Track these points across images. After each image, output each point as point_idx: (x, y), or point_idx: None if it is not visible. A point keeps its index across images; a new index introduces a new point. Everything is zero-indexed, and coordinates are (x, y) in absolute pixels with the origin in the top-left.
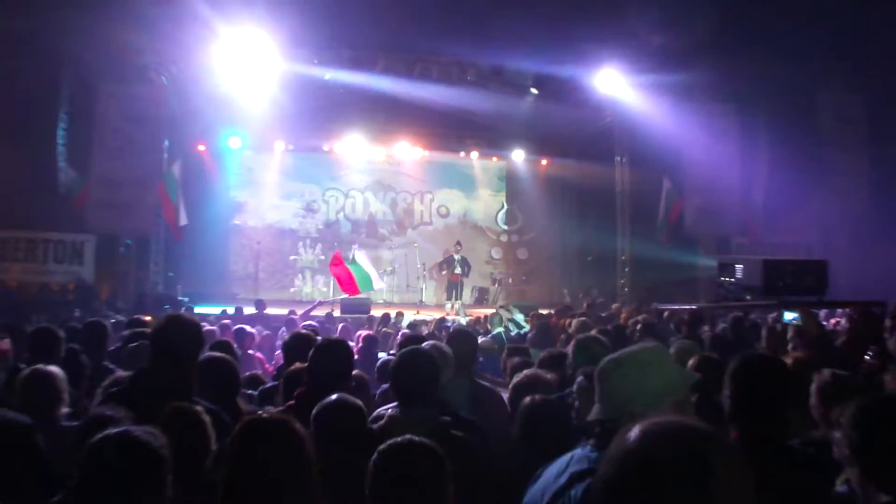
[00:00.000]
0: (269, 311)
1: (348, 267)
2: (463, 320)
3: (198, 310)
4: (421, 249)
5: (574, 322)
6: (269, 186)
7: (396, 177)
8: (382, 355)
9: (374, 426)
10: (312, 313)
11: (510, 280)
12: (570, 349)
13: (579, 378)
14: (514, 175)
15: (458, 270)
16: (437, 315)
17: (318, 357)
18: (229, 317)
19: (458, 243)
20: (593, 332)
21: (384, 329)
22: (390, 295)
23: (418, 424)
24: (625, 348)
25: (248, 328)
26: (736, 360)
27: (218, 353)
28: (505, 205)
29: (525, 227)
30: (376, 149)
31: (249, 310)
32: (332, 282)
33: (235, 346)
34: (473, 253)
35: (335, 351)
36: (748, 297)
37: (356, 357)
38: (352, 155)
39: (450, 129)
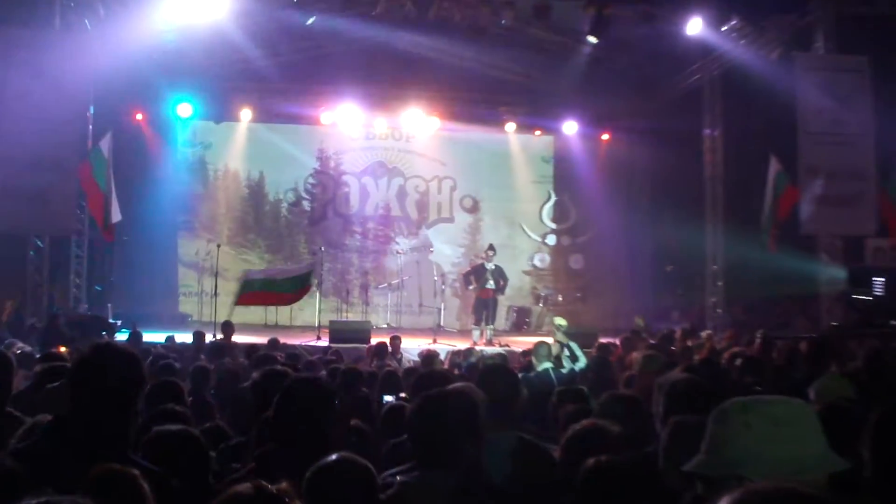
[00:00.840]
0: (240, 338)
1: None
2: (494, 351)
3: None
4: (439, 255)
5: (640, 357)
6: (232, 170)
7: (405, 157)
8: (389, 399)
9: (382, 496)
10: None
11: (560, 298)
12: (656, 397)
13: (670, 427)
14: (565, 155)
15: (489, 285)
16: (463, 345)
17: (285, 402)
18: (178, 349)
19: (491, 248)
20: (678, 372)
21: (375, 362)
22: (396, 318)
23: (440, 495)
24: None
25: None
26: (879, 409)
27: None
28: (552, 195)
29: (579, 226)
30: (377, 120)
31: (207, 337)
32: (317, 300)
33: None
34: (510, 261)
35: (308, 393)
36: (893, 322)
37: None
38: (345, 128)
39: (476, 94)
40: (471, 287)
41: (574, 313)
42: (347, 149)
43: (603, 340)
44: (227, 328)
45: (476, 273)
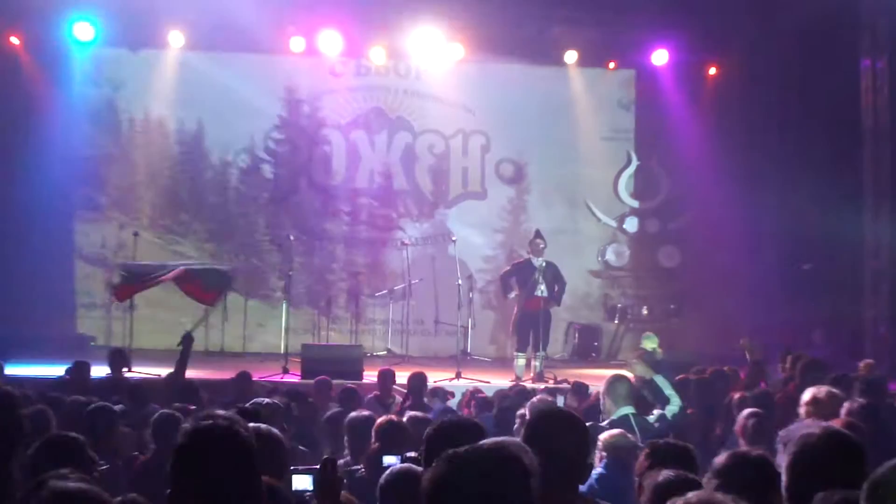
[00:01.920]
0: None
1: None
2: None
3: (9, 370)
4: (464, 248)
5: (819, 396)
6: (156, 120)
7: (414, 103)
8: (390, 460)
9: None
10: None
11: (644, 311)
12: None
13: None
14: (652, 98)
15: (540, 291)
16: (502, 382)
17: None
18: (64, 382)
19: (539, 236)
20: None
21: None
22: (401, 340)
23: None
24: None
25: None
26: None
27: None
28: (633, 159)
29: (673, 205)
30: (373, 48)
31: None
32: (283, 314)
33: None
34: (570, 256)
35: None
36: None
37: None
38: (324, 58)
39: (520, 7)
40: (511, 294)
41: (666, 333)
42: (328, 89)
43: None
44: (117, 358)
45: (520, 273)
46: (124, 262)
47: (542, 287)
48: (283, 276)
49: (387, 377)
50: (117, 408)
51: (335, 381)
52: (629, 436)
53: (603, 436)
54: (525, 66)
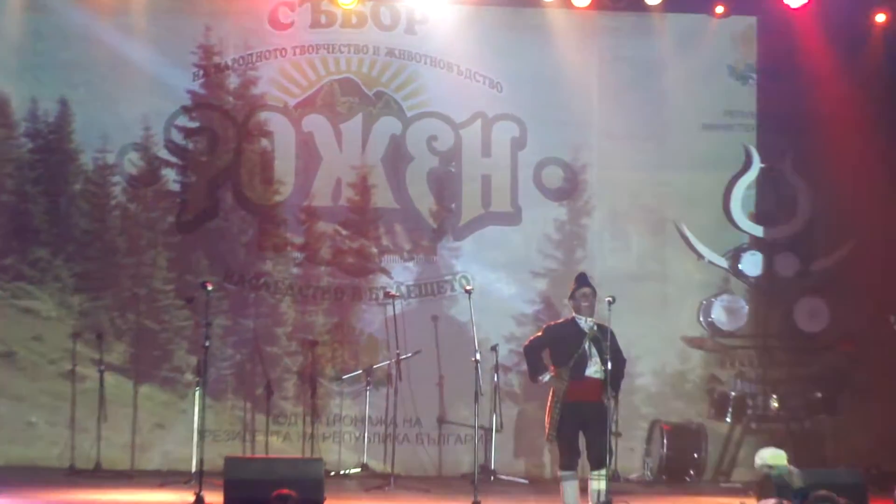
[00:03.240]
0: None
1: None
2: None
3: None
4: (487, 299)
5: None
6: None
7: (406, 71)
8: None
9: None
10: None
11: (773, 404)
12: None
13: None
14: (784, 61)
15: (593, 370)
16: None
17: None
18: None
19: (585, 282)
20: None
21: None
22: (381, 453)
23: None
24: None
25: None
26: None
27: None
28: (755, 159)
29: (820, 232)
30: None
31: None
32: (195, 408)
33: None
34: (653, 315)
35: None
36: None
37: None
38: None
39: None
40: (544, 378)
41: (809, 440)
42: (267, 49)
43: None
44: None
45: (557, 343)
46: None
47: (596, 365)
48: (195, 349)
49: None
50: None
51: None
52: None
53: None
54: (581, 13)
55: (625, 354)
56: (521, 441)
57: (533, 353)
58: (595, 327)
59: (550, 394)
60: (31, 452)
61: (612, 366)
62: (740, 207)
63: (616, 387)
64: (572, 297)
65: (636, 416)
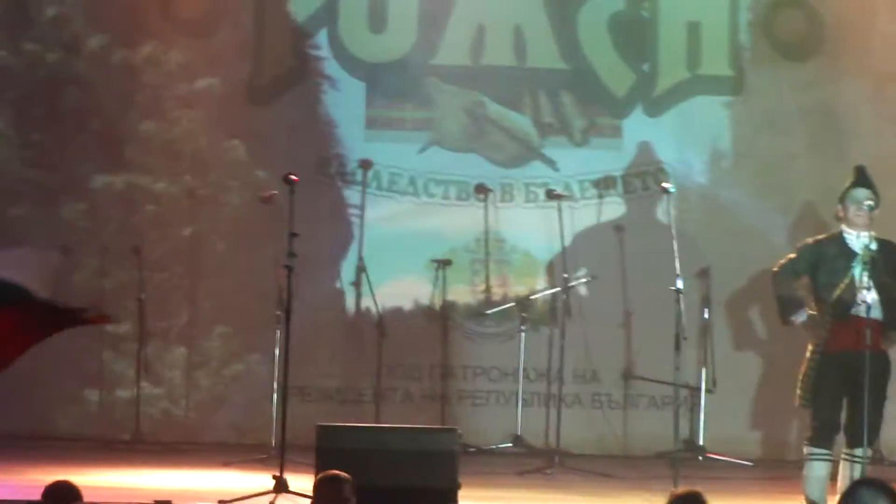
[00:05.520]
0: None
1: None
2: None
3: None
4: (697, 207)
5: None
6: None
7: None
8: None
9: None
10: None
11: None
12: None
13: None
14: None
15: (865, 305)
16: None
17: None
18: None
19: (863, 181)
20: None
21: None
22: (544, 423)
23: None
24: None
25: None
26: None
27: None
28: None
29: None
30: None
31: None
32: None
33: None
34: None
35: None
36: None
37: None
38: None
39: None
40: (799, 316)
41: None
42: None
43: None
44: None
45: (818, 266)
46: None
47: (871, 295)
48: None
49: None
50: None
51: None
52: None
53: None
54: None
55: None
56: (758, 405)
57: (783, 282)
58: (874, 245)
59: (809, 343)
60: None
61: None
62: None
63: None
64: (842, 200)
65: None
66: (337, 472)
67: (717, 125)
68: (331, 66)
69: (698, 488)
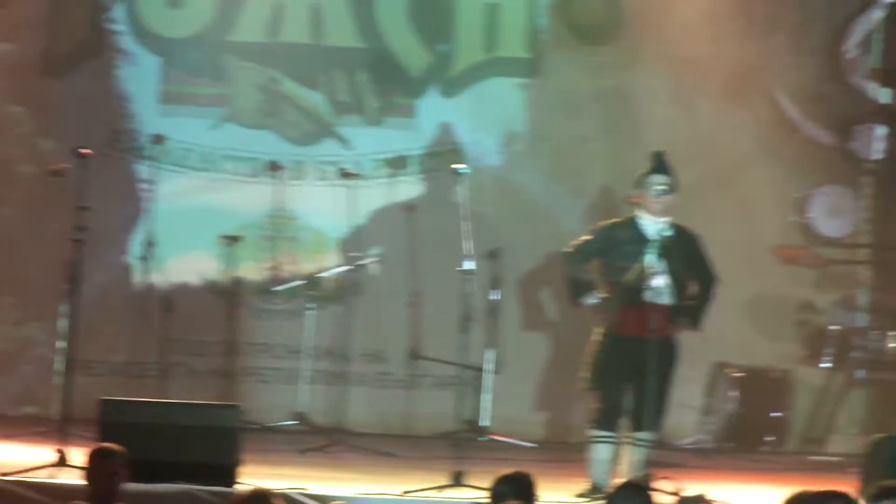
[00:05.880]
0: None
1: None
2: None
3: None
4: (487, 185)
5: None
6: None
7: None
8: None
9: None
10: None
11: (892, 344)
12: None
13: None
14: None
15: (653, 291)
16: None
17: None
18: None
19: (660, 166)
20: None
21: None
22: (323, 400)
23: None
24: None
25: None
26: None
27: None
28: None
29: None
30: None
31: None
32: None
33: None
34: (732, 216)
35: None
36: None
37: None
38: None
39: None
40: (589, 299)
41: None
42: None
43: None
44: None
45: (608, 251)
46: None
47: (659, 283)
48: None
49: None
50: None
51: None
52: None
53: None
54: None
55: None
56: (543, 387)
57: (574, 264)
58: (669, 232)
59: (596, 325)
60: None
61: (698, 287)
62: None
63: (695, 320)
64: (637, 183)
65: (693, 359)
66: (109, 444)
67: (512, 107)
68: (127, 40)
69: (525, 470)
